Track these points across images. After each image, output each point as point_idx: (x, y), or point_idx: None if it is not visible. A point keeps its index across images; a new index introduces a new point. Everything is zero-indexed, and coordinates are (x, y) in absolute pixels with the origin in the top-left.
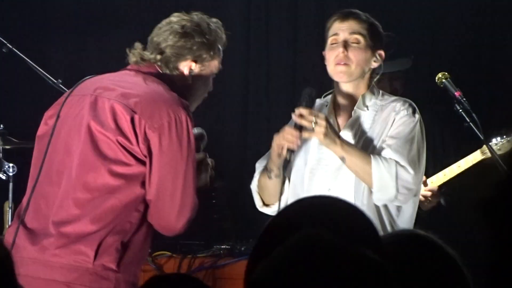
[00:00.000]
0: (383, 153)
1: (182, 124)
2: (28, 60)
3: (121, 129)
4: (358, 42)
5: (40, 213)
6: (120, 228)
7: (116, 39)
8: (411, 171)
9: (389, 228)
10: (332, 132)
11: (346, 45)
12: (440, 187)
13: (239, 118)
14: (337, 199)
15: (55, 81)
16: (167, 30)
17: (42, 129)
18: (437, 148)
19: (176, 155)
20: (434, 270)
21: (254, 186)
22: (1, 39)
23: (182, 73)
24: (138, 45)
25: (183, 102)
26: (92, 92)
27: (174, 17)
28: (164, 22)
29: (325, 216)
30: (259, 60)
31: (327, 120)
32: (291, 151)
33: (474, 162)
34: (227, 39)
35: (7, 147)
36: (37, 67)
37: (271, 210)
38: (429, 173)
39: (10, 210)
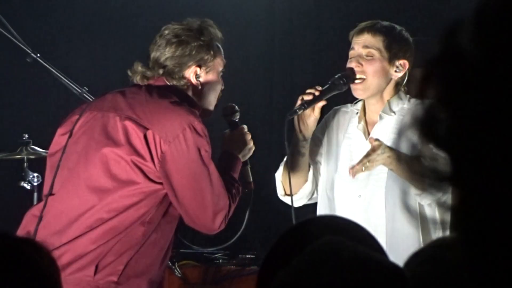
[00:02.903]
0: None
1: (196, 130)
2: (53, 69)
3: (134, 147)
4: (372, 55)
5: (48, 229)
6: (124, 243)
7: (141, 47)
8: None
9: (432, 231)
10: (387, 157)
11: (360, 58)
12: None
13: (264, 123)
14: (348, 220)
15: (81, 90)
16: (162, 43)
17: (53, 147)
18: None
19: (196, 163)
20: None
21: (278, 174)
22: (25, 48)
23: (189, 81)
24: (137, 64)
25: (193, 111)
26: (105, 110)
27: (166, 29)
28: (157, 36)
29: (341, 230)
30: (284, 57)
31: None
32: (304, 104)
33: None
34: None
35: (32, 157)
36: (62, 75)
37: (292, 199)
38: None
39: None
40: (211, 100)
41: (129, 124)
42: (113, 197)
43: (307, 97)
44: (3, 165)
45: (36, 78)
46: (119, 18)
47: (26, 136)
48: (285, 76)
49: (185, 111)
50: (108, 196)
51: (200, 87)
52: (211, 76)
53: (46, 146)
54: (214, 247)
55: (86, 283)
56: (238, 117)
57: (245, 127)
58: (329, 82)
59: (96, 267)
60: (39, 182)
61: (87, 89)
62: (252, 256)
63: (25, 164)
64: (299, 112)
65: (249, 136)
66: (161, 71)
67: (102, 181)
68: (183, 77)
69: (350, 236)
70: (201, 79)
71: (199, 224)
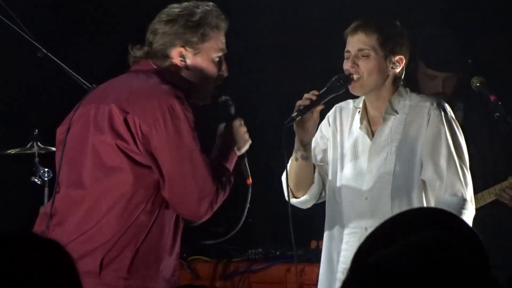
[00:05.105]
0: (445, 190)
1: (176, 113)
2: (63, 65)
3: (117, 132)
4: (367, 55)
5: (59, 227)
6: (128, 236)
7: None
8: (467, 193)
9: None
10: None
11: (356, 57)
12: None
13: (276, 115)
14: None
15: (90, 86)
16: (156, 21)
17: (56, 147)
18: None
19: (177, 145)
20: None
21: (284, 176)
22: (36, 44)
23: (174, 62)
24: (131, 47)
25: (175, 92)
26: (96, 100)
27: (164, 9)
28: (156, 17)
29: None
30: (293, 52)
31: None
32: (301, 110)
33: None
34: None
35: (43, 152)
36: (72, 72)
37: (300, 201)
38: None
39: None
40: (202, 85)
41: (113, 111)
42: (108, 188)
43: (304, 103)
44: (14, 160)
45: (47, 73)
46: (130, 15)
47: (36, 131)
48: (298, 72)
49: (165, 94)
50: (104, 188)
51: (186, 70)
52: (199, 60)
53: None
54: (212, 240)
55: (94, 283)
56: (233, 110)
57: (241, 120)
58: (326, 85)
59: (102, 264)
60: (50, 177)
61: (95, 86)
62: (261, 251)
63: (36, 159)
64: (297, 119)
65: (244, 129)
66: (146, 49)
67: (96, 173)
68: (168, 57)
69: (452, 233)
70: (188, 61)
71: (184, 209)
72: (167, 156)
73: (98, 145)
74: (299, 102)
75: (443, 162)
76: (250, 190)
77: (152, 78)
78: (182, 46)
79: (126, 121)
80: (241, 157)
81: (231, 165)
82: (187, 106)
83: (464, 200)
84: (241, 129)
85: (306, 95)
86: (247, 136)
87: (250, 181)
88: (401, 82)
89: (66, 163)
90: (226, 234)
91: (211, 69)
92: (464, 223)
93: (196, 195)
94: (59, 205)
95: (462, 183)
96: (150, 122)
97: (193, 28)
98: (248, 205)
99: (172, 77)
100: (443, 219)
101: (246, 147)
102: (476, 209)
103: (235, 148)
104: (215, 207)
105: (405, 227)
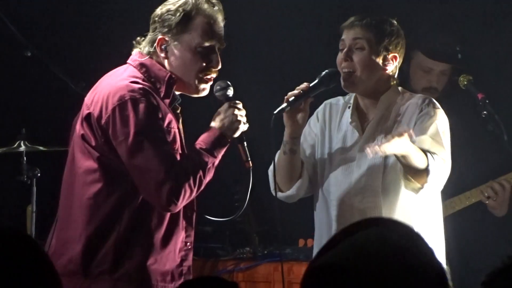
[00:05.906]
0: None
1: (126, 108)
2: (51, 64)
3: (83, 126)
4: (362, 48)
5: (58, 228)
6: (103, 227)
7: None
8: (447, 162)
9: (415, 221)
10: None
11: (350, 51)
12: None
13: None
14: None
15: (78, 85)
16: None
17: (70, 138)
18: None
19: (126, 138)
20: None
21: (271, 169)
22: (25, 42)
23: (156, 52)
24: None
25: (132, 87)
26: (88, 94)
27: None
28: None
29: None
30: (284, 56)
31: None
32: (291, 101)
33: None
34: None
35: (30, 151)
36: (60, 70)
37: (286, 196)
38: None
39: (33, 214)
40: (184, 76)
41: (84, 106)
42: (78, 182)
43: (294, 94)
44: (1, 159)
45: (34, 72)
46: (120, 12)
47: (24, 130)
48: (300, 66)
49: (121, 89)
50: (76, 183)
51: (167, 59)
52: (178, 50)
53: (44, 140)
54: (214, 217)
55: (80, 281)
56: (230, 92)
57: (237, 103)
58: (317, 79)
59: (84, 260)
60: (37, 176)
61: (84, 84)
62: (249, 250)
63: (24, 158)
64: (286, 110)
65: (238, 111)
66: (137, 38)
67: (73, 168)
68: (150, 46)
69: (398, 232)
70: (168, 51)
71: (149, 199)
72: (120, 149)
73: (77, 139)
74: (289, 94)
75: (427, 137)
76: (251, 174)
77: (125, 72)
78: (163, 36)
79: (87, 117)
80: (237, 141)
81: (215, 150)
82: (144, 100)
83: (435, 155)
84: (230, 110)
85: (297, 87)
86: (239, 118)
87: (249, 164)
88: (394, 81)
89: (68, 158)
90: (214, 234)
91: (191, 60)
92: (405, 224)
93: (153, 185)
94: (60, 204)
95: (442, 149)
96: (105, 119)
97: (172, 17)
98: (250, 189)
99: (150, 69)
100: (385, 221)
101: (239, 131)
102: (466, 208)
103: (225, 130)
104: (183, 195)
105: (348, 231)
